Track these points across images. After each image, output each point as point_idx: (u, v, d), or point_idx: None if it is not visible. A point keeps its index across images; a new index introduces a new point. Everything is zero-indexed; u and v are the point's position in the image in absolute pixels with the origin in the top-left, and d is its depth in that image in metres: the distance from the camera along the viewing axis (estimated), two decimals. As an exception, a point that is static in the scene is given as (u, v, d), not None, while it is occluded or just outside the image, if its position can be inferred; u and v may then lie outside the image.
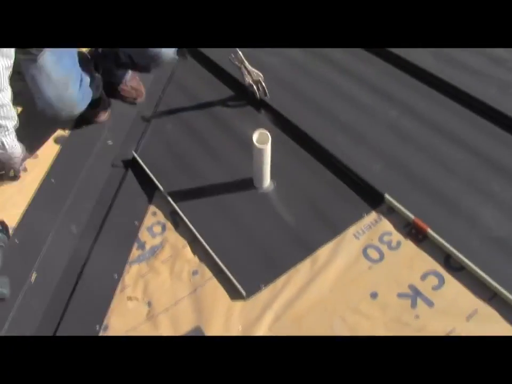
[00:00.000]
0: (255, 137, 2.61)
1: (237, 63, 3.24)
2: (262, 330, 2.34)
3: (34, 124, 3.34)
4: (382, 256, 2.51)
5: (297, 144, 3.08)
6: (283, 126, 3.18)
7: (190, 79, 3.70)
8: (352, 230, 2.62)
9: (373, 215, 2.67)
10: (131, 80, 3.58)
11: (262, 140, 2.63)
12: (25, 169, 3.12)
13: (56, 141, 3.32)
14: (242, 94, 3.42)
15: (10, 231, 2.82)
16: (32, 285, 2.67)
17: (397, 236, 2.57)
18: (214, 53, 3.75)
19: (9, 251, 2.73)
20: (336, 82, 3.42)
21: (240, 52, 3.18)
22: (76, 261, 2.75)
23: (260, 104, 3.33)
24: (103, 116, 3.41)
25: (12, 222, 2.88)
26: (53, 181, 3.11)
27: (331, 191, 2.81)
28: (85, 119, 3.34)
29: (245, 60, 3.21)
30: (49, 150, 3.27)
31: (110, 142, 3.31)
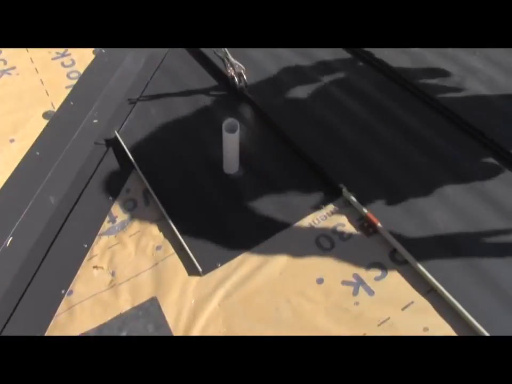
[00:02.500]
0: (225, 124, 2.77)
1: (220, 55, 3.40)
2: (212, 305, 2.50)
3: (25, 99, 3.54)
4: (332, 245, 2.67)
5: (269, 135, 3.24)
6: (258, 117, 3.35)
7: (178, 66, 3.85)
8: (309, 219, 2.79)
9: (330, 206, 2.83)
10: None
11: (232, 127, 2.78)
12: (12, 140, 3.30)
13: (45, 116, 3.49)
14: (225, 85, 3.58)
15: (-8, 197, 3.00)
16: (7, 248, 2.83)
17: (349, 228, 2.74)
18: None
19: (-12, 216, 2.91)
20: (316, 79, 3.58)
21: (224, 45, 3.35)
22: (51, 229, 2.91)
23: (239, 95, 3.49)
24: None
25: (-6, 187, 3.06)
26: (37, 153, 3.27)
27: (295, 181, 2.98)
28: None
29: (228, 53, 3.37)
30: (37, 124, 3.43)
31: (95, 121, 3.47)
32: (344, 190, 2.83)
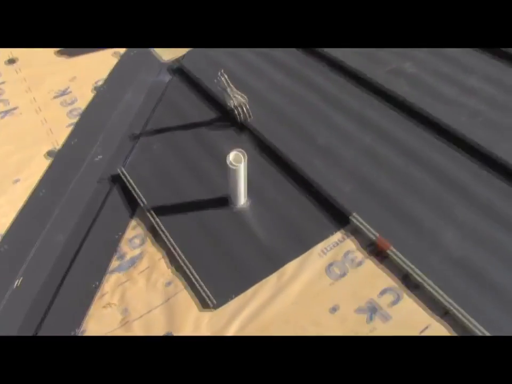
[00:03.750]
0: (230, 157, 2.77)
1: (221, 86, 3.41)
2: (227, 338, 2.49)
3: (28, 139, 3.55)
4: (344, 273, 2.66)
5: (274, 165, 3.25)
6: (262, 147, 3.35)
7: (179, 100, 3.87)
8: (319, 247, 2.78)
9: (340, 234, 2.83)
10: None
11: (237, 159, 2.78)
12: (17, 180, 3.29)
13: (48, 154, 3.49)
14: (227, 117, 3.59)
15: (-1, 239, 2.99)
16: (17, 289, 2.81)
17: (360, 254, 2.73)
18: (202, 76, 3.93)
19: (-3, 257, 2.89)
20: (317, 107, 3.59)
21: (225, 76, 3.36)
22: (60, 268, 2.90)
23: (242, 126, 3.50)
24: None
25: (1, 229, 3.04)
26: (43, 192, 3.26)
27: (303, 210, 2.97)
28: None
29: (230, 83, 3.38)
30: (41, 163, 3.43)
31: (99, 157, 3.47)
32: (353, 216, 2.82)
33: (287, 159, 3.22)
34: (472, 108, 3.39)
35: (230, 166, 2.77)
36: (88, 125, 3.72)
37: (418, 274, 2.55)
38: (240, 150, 2.79)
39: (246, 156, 2.78)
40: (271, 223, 2.94)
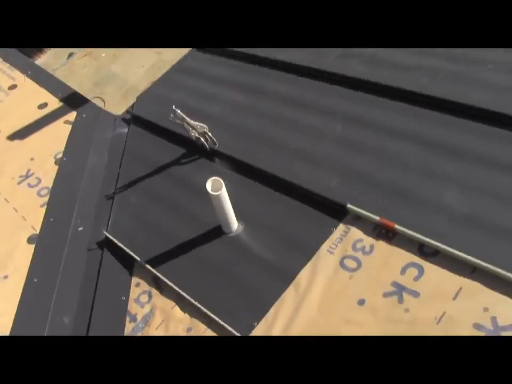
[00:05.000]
0: (209, 186, 2.69)
1: (178, 121, 3.34)
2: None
3: (5, 232, 3.44)
4: (359, 263, 2.56)
5: (255, 181, 3.16)
6: (238, 168, 3.27)
7: (143, 147, 3.79)
8: (325, 246, 2.69)
9: (341, 227, 2.74)
10: None
11: (217, 187, 2.70)
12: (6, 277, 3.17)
13: (30, 241, 3.37)
14: (194, 149, 3.51)
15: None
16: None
17: (368, 240, 2.64)
18: (157, 117, 3.85)
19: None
20: (278, 112, 3.53)
21: (178, 110, 3.29)
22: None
23: (211, 154, 3.42)
24: None
25: (3, 330, 2.91)
26: (35, 280, 3.15)
27: (297, 216, 2.89)
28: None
29: (185, 116, 3.30)
30: (25, 252, 3.32)
31: (81, 228, 3.37)
32: (349, 205, 2.74)
33: (265, 172, 3.13)
34: (430, 68, 3.33)
35: (211, 194, 2.69)
36: (60, 200, 3.61)
37: (432, 241, 2.46)
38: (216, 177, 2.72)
39: (223, 182, 2.71)
40: (270, 239, 2.85)
